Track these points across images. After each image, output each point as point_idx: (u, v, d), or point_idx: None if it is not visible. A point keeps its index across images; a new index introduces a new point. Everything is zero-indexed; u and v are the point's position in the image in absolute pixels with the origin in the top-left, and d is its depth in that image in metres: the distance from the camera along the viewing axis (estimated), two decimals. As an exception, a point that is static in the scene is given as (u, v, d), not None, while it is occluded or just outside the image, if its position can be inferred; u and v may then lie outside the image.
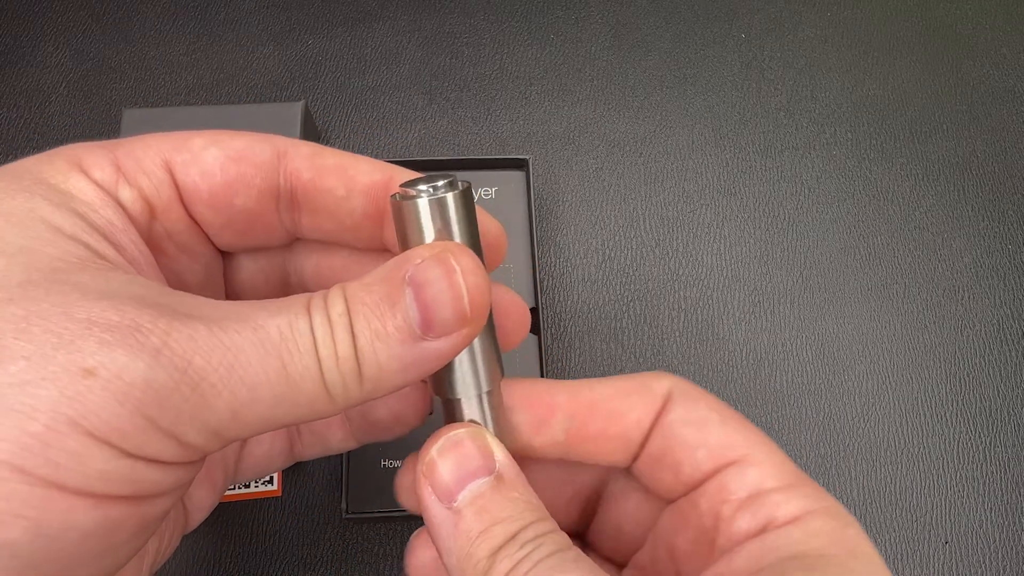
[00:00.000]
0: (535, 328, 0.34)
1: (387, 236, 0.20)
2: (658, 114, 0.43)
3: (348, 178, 0.19)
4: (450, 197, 0.17)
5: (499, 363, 0.19)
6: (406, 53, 0.44)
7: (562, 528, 0.18)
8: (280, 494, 0.28)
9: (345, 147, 0.41)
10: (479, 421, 0.19)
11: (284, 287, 0.22)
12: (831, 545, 0.17)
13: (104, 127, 0.41)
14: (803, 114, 0.43)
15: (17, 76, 0.43)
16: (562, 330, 0.37)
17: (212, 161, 0.18)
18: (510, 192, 0.36)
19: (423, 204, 0.17)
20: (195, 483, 0.21)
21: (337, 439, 0.23)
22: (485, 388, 0.19)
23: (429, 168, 0.36)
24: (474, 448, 0.18)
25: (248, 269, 0.22)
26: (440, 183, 0.17)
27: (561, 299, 0.38)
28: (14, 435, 0.13)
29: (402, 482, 0.20)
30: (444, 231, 0.17)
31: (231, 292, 0.22)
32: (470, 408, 0.19)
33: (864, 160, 0.42)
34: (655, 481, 0.20)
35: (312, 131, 0.39)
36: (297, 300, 0.16)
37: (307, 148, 0.19)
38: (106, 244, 0.16)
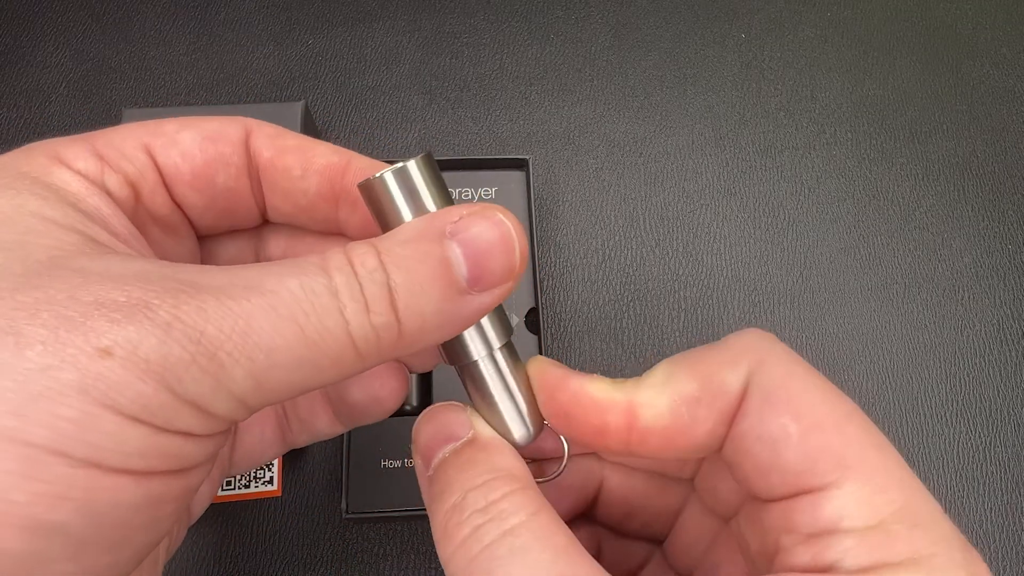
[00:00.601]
0: (535, 328, 0.34)
1: (342, 218, 0.20)
2: (658, 114, 0.43)
3: (306, 158, 0.19)
4: (412, 164, 0.17)
5: (506, 318, 0.19)
6: (406, 53, 0.44)
7: (644, 538, 0.18)
8: (280, 494, 0.28)
9: (345, 147, 0.41)
10: (499, 382, 0.19)
11: None
12: None
13: (104, 127, 0.41)
14: (803, 114, 0.43)
15: (17, 76, 0.43)
16: (562, 330, 0.37)
17: (190, 142, 0.19)
18: (510, 192, 0.36)
19: (388, 177, 0.17)
20: None
21: (324, 423, 0.23)
22: (497, 344, 0.19)
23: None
24: (444, 418, 0.18)
25: (224, 258, 0.22)
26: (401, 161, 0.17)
27: (561, 299, 0.38)
28: (48, 420, 0.13)
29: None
30: (416, 201, 0.17)
31: None
32: (487, 369, 0.19)
33: (864, 160, 0.42)
34: (714, 499, 0.19)
35: (312, 131, 0.39)
36: (308, 260, 0.15)
37: (271, 129, 0.20)
38: (99, 230, 0.16)
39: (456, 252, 0.16)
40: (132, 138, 0.19)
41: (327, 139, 0.42)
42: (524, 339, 0.33)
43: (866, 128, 0.43)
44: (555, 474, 0.20)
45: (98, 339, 0.13)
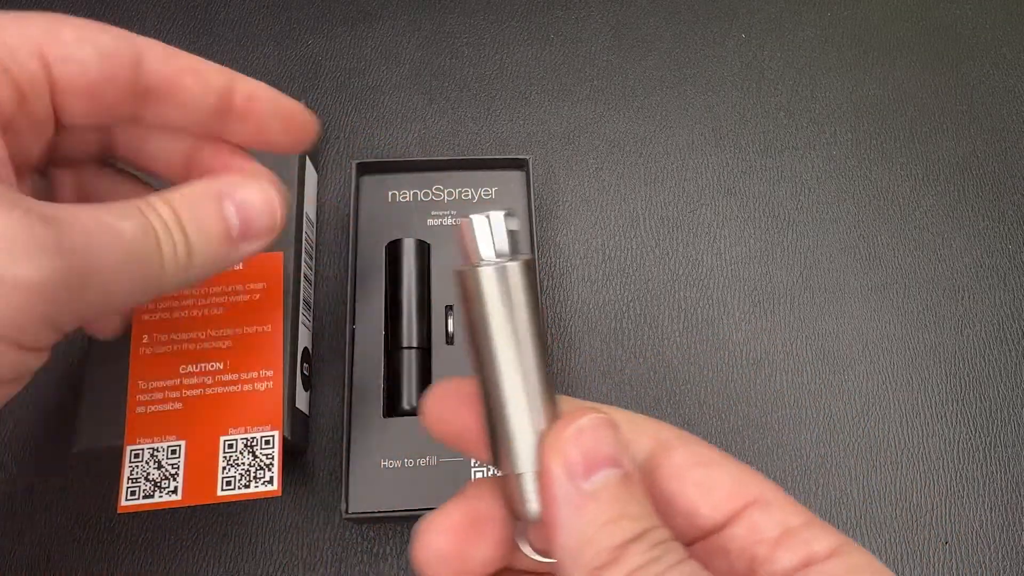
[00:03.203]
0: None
1: (230, 129, 0.24)
2: (658, 114, 0.43)
3: (203, 79, 0.23)
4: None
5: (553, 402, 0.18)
6: (406, 53, 0.44)
7: None
8: (280, 494, 0.28)
9: (345, 147, 0.41)
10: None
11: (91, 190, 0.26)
12: None
13: (104, 127, 0.41)
14: (803, 114, 0.43)
15: (17, 76, 0.43)
16: (562, 330, 0.37)
17: (88, 59, 0.21)
18: (510, 192, 0.36)
19: (486, 272, 0.18)
20: None
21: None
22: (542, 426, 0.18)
23: (429, 168, 0.36)
24: (611, 437, 0.17)
25: (62, 191, 0.25)
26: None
27: (561, 299, 0.38)
28: None
29: (434, 405, 0.20)
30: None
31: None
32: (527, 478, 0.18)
33: (864, 160, 0.42)
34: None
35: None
36: (132, 206, 0.20)
37: (160, 49, 0.23)
38: None
39: (231, 211, 0.21)
40: (28, 42, 0.20)
41: (327, 139, 0.42)
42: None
43: (866, 128, 0.43)
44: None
45: None
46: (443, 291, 0.34)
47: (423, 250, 0.35)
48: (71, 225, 0.17)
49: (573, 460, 0.17)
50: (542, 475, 0.17)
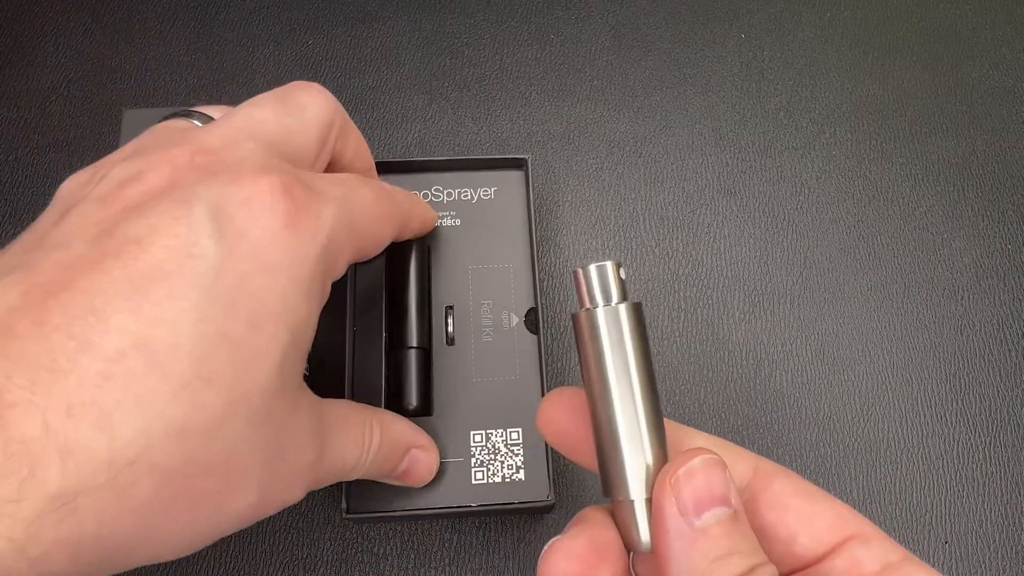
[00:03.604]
0: (535, 328, 0.34)
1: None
2: (658, 114, 0.43)
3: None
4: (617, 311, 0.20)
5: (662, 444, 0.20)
6: (406, 53, 0.44)
7: None
8: (280, 494, 0.29)
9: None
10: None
11: None
12: None
13: (104, 127, 0.42)
14: (803, 114, 0.43)
15: (17, 76, 0.43)
16: (562, 330, 0.37)
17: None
18: (509, 192, 0.36)
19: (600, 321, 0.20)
20: None
21: None
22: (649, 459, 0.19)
23: (427, 168, 0.36)
24: (722, 478, 0.18)
25: None
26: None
27: (561, 299, 0.38)
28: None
29: (550, 414, 0.21)
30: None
31: None
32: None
33: (864, 160, 0.42)
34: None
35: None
36: (358, 427, 0.25)
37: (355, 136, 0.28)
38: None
39: (406, 463, 0.29)
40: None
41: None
42: (524, 339, 0.33)
43: (866, 128, 0.43)
44: None
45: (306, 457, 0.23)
46: (443, 291, 0.34)
47: (423, 250, 0.35)
48: (329, 453, 0.23)
49: (684, 497, 0.18)
50: (655, 510, 0.18)
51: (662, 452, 0.19)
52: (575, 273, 0.20)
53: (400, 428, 0.28)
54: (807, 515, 0.20)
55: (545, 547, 0.20)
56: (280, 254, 0.20)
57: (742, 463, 0.21)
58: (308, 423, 0.22)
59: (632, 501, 0.19)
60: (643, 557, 0.20)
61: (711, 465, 0.18)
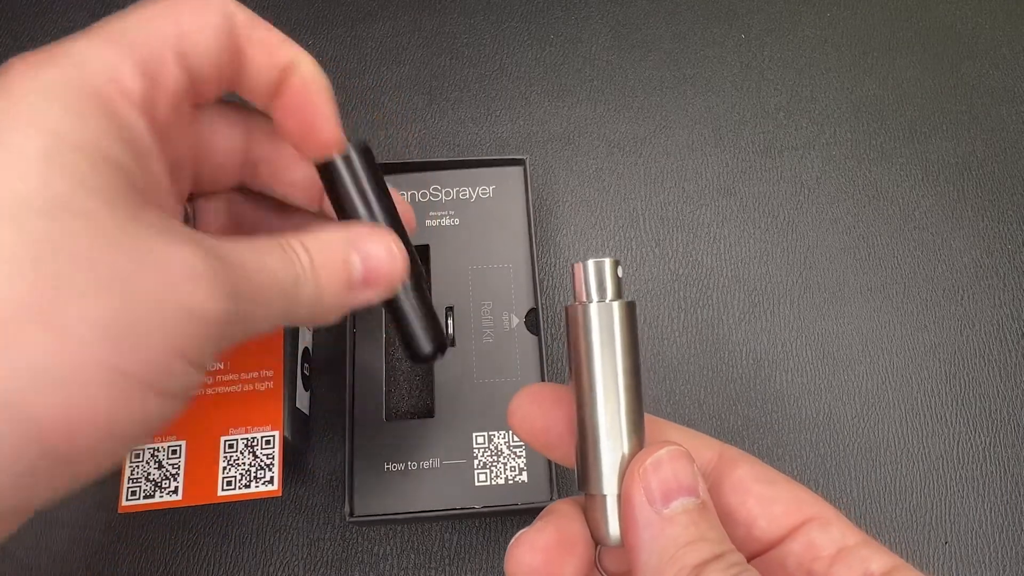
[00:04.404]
0: (535, 328, 0.34)
1: (277, 117, 0.24)
2: (658, 114, 0.43)
3: (271, 51, 0.25)
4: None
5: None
6: (406, 53, 0.44)
7: None
8: (280, 494, 0.28)
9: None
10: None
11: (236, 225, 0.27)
12: None
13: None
14: (803, 114, 0.43)
15: (17, 76, 0.43)
16: (562, 330, 0.37)
17: (212, 34, 0.22)
18: (508, 190, 0.36)
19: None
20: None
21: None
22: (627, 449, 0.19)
23: (425, 168, 0.36)
24: (688, 468, 0.19)
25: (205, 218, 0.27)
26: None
27: (561, 299, 0.38)
28: (148, 356, 0.17)
29: (520, 410, 0.21)
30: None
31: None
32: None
33: (864, 160, 0.42)
34: None
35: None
36: (276, 245, 0.21)
37: (244, 15, 0.24)
38: (144, 174, 0.19)
39: (358, 261, 0.22)
40: (159, 31, 0.20)
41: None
42: (524, 339, 0.33)
43: (866, 128, 0.43)
44: None
45: (187, 300, 0.17)
46: (443, 292, 0.34)
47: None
48: (240, 267, 0.19)
49: (652, 487, 0.18)
50: (624, 500, 0.19)
51: (640, 451, 0.19)
52: (573, 267, 0.20)
53: (329, 228, 0.24)
54: (767, 499, 0.20)
55: (512, 540, 0.20)
56: None
57: (707, 450, 0.21)
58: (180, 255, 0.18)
59: (604, 496, 0.19)
60: (610, 553, 0.21)
61: (677, 456, 0.19)
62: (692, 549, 0.17)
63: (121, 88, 0.19)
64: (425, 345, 0.25)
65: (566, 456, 0.21)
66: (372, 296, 0.23)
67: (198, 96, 0.22)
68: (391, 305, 0.25)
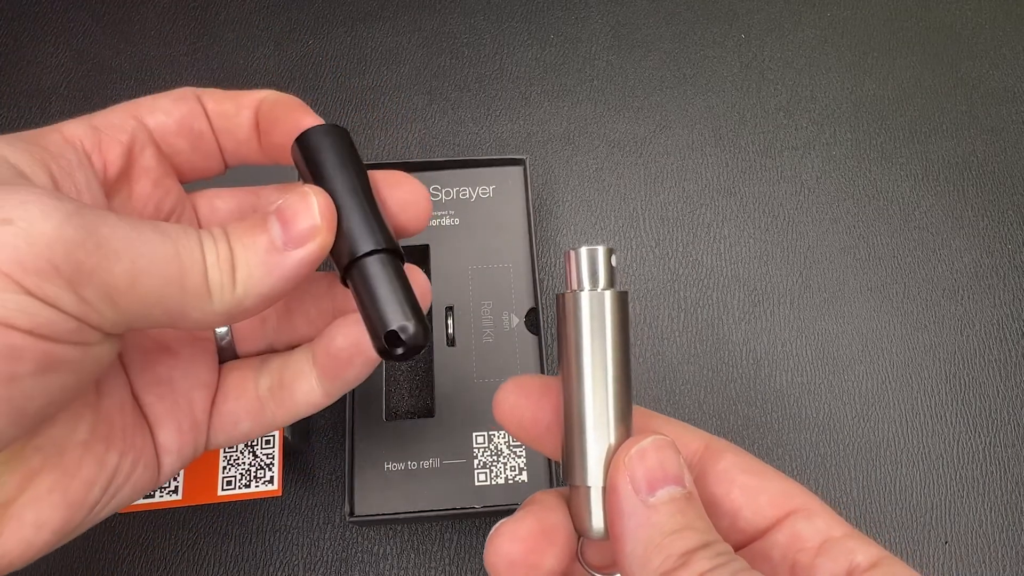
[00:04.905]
0: (535, 328, 0.34)
1: (266, 143, 0.24)
2: (658, 114, 0.43)
3: (237, 99, 0.24)
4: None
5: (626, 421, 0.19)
6: (406, 53, 0.44)
7: None
8: (280, 494, 0.28)
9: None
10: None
11: None
12: None
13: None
14: (803, 114, 0.43)
15: (17, 76, 0.43)
16: (562, 330, 0.37)
17: (169, 104, 0.23)
18: (507, 190, 0.36)
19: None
20: (158, 422, 0.22)
21: (304, 391, 0.24)
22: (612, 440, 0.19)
23: (425, 168, 0.36)
24: (674, 458, 0.19)
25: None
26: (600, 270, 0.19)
27: (561, 299, 0.38)
28: None
29: (506, 401, 0.21)
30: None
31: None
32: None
33: (864, 160, 0.42)
34: None
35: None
36: (189, 227, 0.20)
37: (214, 90, 0.24)
38: (45, 176, 0.19)
39: (274, 221, 0.20)
40: (121, 111, 0.22)
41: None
42: (524, 339, 0.33)
43: (866, 128, 0.43)
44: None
45: (5, 212, 0.16)
46: (443, 292, 0.34)
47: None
48: (103, 214, 0.17)
49: (637, 476, 0.18)
50: (609, 489, 0.18)
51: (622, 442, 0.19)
52: (566, 254, 0.20)
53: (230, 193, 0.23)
54: (753, 490, 0.20)
55: (492, 529, 0.20)
56: None
57: (694, 441, 0.21)
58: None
59: (589, 487, 0.19)
60: (593, 546, 0.20)
61: (662, 446, 0.18)
62: (678, 538, 0.17)
63: (65, 136, 0.20)
64: (391, 320, 0.20)
65: (554, 449, 0.21)
66: (305, 256, 0.20)
67: (176, 150, 0.23)
68: (351, 283, 0.22)
